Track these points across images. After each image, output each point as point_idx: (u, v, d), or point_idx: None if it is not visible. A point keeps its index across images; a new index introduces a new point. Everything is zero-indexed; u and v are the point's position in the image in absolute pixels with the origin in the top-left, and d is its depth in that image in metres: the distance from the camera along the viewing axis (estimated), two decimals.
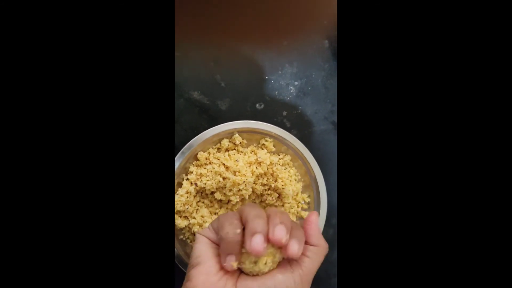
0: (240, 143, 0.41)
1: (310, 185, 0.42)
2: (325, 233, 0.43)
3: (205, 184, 0.39)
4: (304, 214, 0.42)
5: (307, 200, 0.42)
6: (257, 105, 0.44)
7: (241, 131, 0.41)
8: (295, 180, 0.42)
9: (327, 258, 0.30)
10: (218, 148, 0.41)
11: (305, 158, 0.41)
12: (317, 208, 0.41)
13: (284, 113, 0.44)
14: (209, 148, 0.41)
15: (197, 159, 0.40)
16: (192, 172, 0.40)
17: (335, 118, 0.45)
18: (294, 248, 0.27)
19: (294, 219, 0.42)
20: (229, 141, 0.41)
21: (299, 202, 0.42)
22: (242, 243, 0.28)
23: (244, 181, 0.38)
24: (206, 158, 0.40)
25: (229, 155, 0.40)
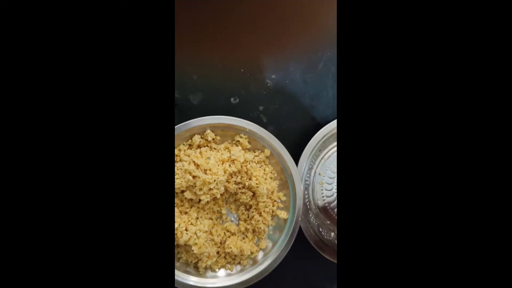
0: (213, 139, 0.39)
1: (287, 183, 0.41)
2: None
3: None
4: (280, 213, 0.40)
5: (283, 198, 0.41)
6: (232, 99, 0.42)
7: (214, 127, 0.39)
8: (271, 178, 0.41)
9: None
10: (190, 145, 0.39)
11: (281, 156, 0.40)
12: (293, 207, 0.40)
13: (261, 108, 0.42)
14: (180, 145, 0.39)
15: None
16: None
17: (314, 113, 0.43)
18: None
19: (269, 218, 0.40)
20: (201, 138, 0.39)
21: (275, 200, 0.41)
22: None
23: (215, 180, 0.36)
24: (177, 155, 0.38)
25: (200, 152, 0.39)
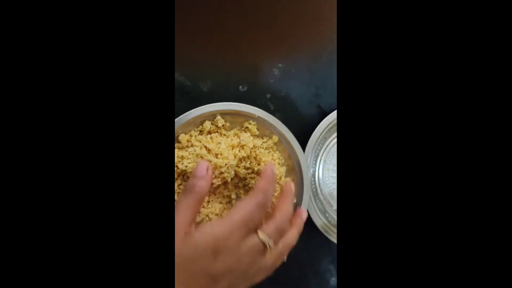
0: (223, 125, 0.40)
1: (294, 169, 0.42)
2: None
3: (186, 166, 0.38)
4: None
5: None
6: (240, 87, 0.43)
7: (224, 113, 0.40)
8: (279, 163, 0.42)
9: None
10: (200, 131, 0.40)
11: (289, 142, 0.41)
12: (300, 192, 0.41)
13: (268, 95, 0.43)
14: (191, 131, 0.40)
15: (179, 141, 0.40)
16: None
17: (319, 102, 0.44)
18: None
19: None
20: (212, 124, 0.40)
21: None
22: None
23: (226, 164, 0.37)
24: (188, 141, 0.39)
25: (211, 137, 0.40)
